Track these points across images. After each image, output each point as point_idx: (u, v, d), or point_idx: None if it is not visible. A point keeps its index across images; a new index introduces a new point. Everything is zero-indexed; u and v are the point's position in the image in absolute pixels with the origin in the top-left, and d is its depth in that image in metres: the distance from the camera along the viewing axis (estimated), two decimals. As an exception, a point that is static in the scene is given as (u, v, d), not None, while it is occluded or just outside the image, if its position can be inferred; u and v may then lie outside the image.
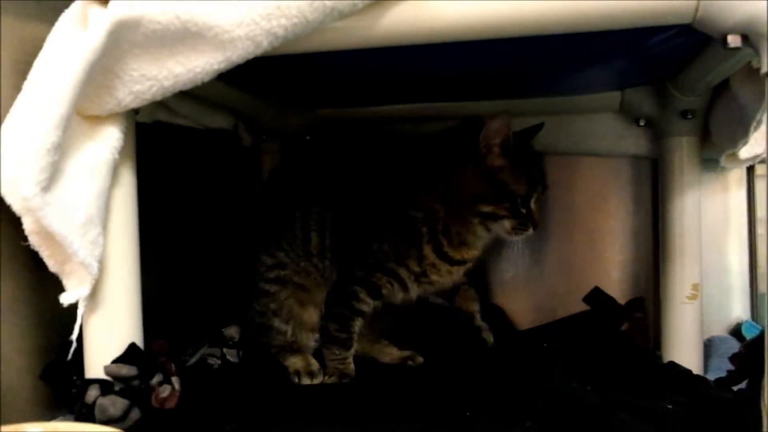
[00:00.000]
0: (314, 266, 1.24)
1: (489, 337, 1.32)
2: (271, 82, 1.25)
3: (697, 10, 0.72)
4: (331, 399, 1.10)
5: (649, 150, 1.39)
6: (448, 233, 1.16)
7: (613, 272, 1.49)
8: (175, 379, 0.92)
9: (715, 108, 1.25)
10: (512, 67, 1.15)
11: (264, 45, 0.74)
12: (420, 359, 1.29)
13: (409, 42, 0.80)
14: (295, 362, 1.24)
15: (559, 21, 0.79)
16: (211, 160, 1.54)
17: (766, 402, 0.73)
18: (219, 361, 1.30)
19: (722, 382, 1.10)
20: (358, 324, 1.20)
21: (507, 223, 1.12)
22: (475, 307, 1.35)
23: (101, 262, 0.84)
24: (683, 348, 1.29)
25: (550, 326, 1.45)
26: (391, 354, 1.32)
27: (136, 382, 0.87)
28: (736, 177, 1.43)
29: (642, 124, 1.36)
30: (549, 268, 1.52)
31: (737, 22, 0.71)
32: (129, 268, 0.92)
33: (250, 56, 0.75)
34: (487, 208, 1.12)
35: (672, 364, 1.21)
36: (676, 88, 1.22)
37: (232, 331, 1.37)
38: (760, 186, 1.39)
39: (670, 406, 0.97)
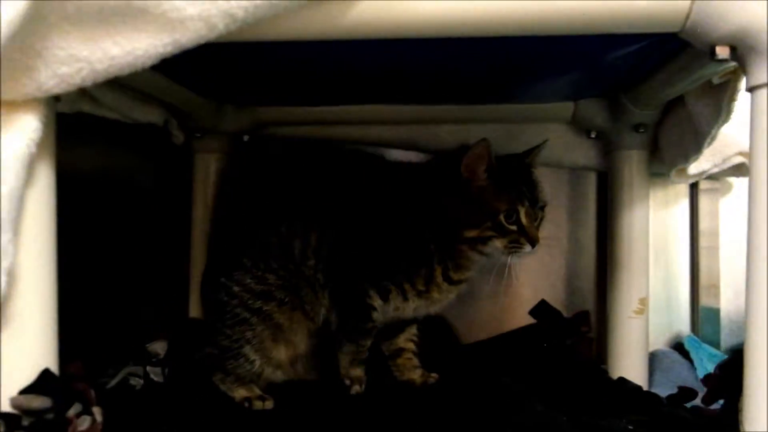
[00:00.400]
0: (304, 292, 1.16)
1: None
2: (208, 73, 1.14)
3: (687, 17, 0.68)
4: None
5: (598, 162, 1.38)
6: (450, 257, 1.14)
7: (558, 285, 1.47)
8: (96, 410, 0.79)
9: (666, 123, 1.25)
10: (468, 70, 1.10)
11: (219, 28, 0.64)
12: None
13: (382, 36, 0.73)
14: (242, 392, 1.14)
15: (539, 21, 0.74)
16: (137, 158, 1.41)
17: (743, 423, 0.70)
18: (141, 381, 1.17)
19: (674, 399, 1.09)
20: (375, 315, 1.16)
21: (498, 243, 1.08)
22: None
23: (11, 275, 0.71)
24: (629, 362, 1.29)
25: (497, 340, 1.41)
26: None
27: (50, 415, 0.74)
28: (678, 191, 1.45)
29: (593, 136, 1.35)
30: (494, 280, 1.47)
31: (727, 33, 0.68)
32: (44, 281, 0.78)
33: (202, 40, 0.65)
34: (471, 233, 1.09)
35: (622, 380, 1.19)
36: (631, 101, 1.20)
37: (158, 347, 1.25)
38: (704, 200, 1.40)
39: (630, 427, 0.94)
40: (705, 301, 1.39)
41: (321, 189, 1.19)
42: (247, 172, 1.40)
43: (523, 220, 1.08)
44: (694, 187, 1.42)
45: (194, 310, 1.39)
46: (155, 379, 1.20)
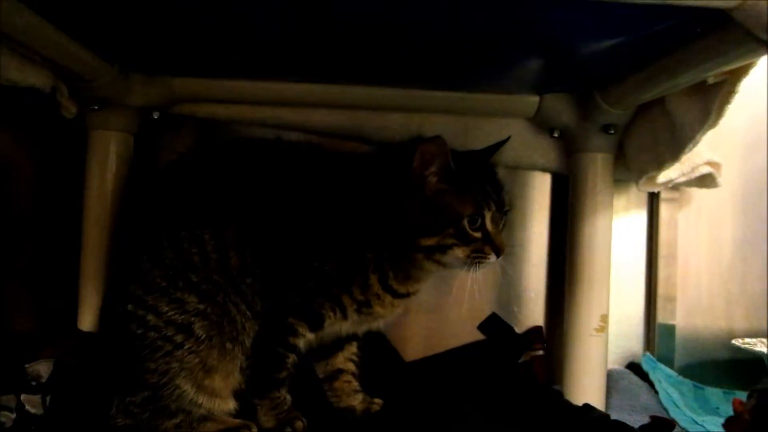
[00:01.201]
0: (234, 302, 0.94)
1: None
2: (111, 26, 0.91)
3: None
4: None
5: (559, 165, 1.26)
6: (393, 266, 0.97)
7: (508, 297, 1.35)
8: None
9: (636, 126, 1.15)
10: (420, 31, 0.91)
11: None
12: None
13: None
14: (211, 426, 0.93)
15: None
16: (13, 133, 1.13)
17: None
18: (12, 416, 0.92)
19: (647, 430, 0.99)
20: (292, 359, 0.97)
21: (459, 252, 0.93)
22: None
23: None
24: (586, 383, 1.18)
25: (442, 357, 1.27)
26: None
27: None
28: (634, 199, 1.36)
29: (555, 135, 1.23)
30: (437, 291, 1.32)
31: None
32: None
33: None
34: (429, 242, 0.93)
35: (588, 407, 1.08)
36: (606, 99, 1.09)
37: (41, 368, 1.00)
38: (664, 209, 1.32)
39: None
40: (660, 316, 1.32)
41: (248, 185, 0.98)
42: (157, 161, 1.18)
43: (489, 226, 0.95)
44: (653, 197, 1.34)
45: (85, 322, 1.14)
46: (32, 411, 0.95)
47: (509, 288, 1.35)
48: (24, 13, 0.48)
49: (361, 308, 0.98)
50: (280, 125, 1.23)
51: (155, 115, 1.20)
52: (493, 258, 0.94)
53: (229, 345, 0.92)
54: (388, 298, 0.99)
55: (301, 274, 0.95)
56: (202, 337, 0.90)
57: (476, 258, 0.94)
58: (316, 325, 0.97)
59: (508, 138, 1.06)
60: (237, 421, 0.94)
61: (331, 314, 0.97)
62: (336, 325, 1.01)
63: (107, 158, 1.16)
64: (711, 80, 0.92)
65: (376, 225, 0.95)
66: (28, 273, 1.19)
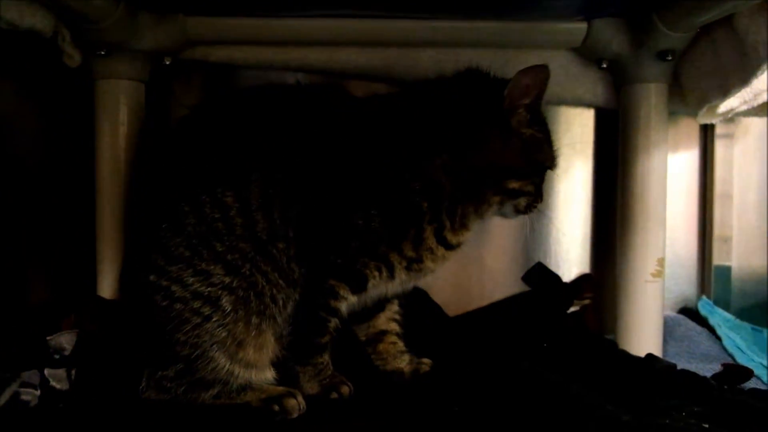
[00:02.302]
0: (263, 272, 0.84)
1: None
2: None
3: None
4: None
5: (605, 99, 1.17)
6: (452, 213, 0.89)
7: (553, 245, 1.27)
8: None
9: (696, 52, 1.05)
10: None
11: None
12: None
13: None
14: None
15: None
16: (13, 85, 1.03)
17: None
18: (38, 393, 0.85)
19: (723, 381, 0.92)
20: (334, 323, 0.90)
21: (523, 201, 0.91)
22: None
23: None
24: (643, 332, 1.11)
25: (485, 311, 1.19)
26: None
27: None
28: (684, 134, 1.26)
29: (604, 66, 1.12)
30: (478, 240, 1.24)
31: None
32: None
33: None
34: (514, 184, 0.89)
35: (651, 357, 1.00)
36: (665, 20, 0.99)
37: (63, 340, 0.92)
38: (720, 145, 1.23)
39: (706, 426, 0.75)
40: (716, 258, 1.24)
41: (273, 136, 0.87)
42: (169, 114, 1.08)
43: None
44: (706, 131, 1.24)
45: (104, 289, 1.06)
46: (57, 386, 0.88)
47: (553, 235, 1.27)
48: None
49: (411, 265, 0.90)
50: (303, 67, 1.13)
51: (167, 61, 1.09)
52: (538, 209, 0.94)
53: (255, 319, 0.84)
54: (441, 251, 0.91)
55: (342, 232, 0.86)
56: (228, 310, 0.82)
57: (531, 207, 0.92)
58: (359, 287, 0.90)
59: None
60: (280, 388, 0.87)
61: (377, 274, 0.89)
62: (381, 286, 0.93)
63: (117, 110, 1.06)
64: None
65: (452, 159, 0.86)
66: (41, 239, 1.10)
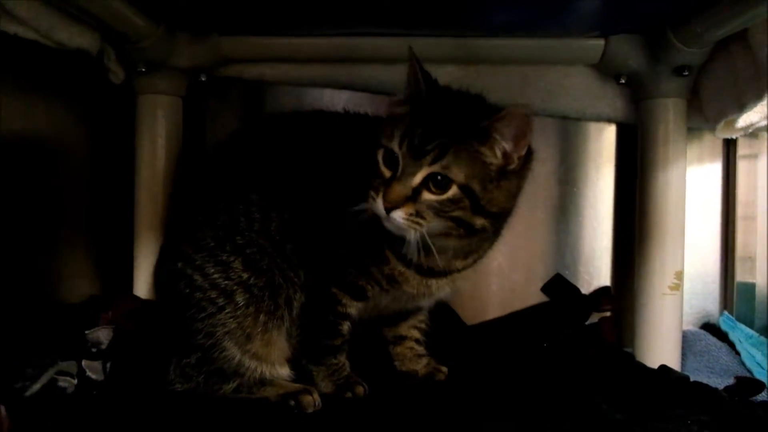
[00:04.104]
0: (280, 268, 0.91)
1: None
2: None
3: None
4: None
5: (625, 114, 1.18)
6: None
7: (572, 257, 1.28)
8: None
9: (712, 67, 1.07)
10: None
11: None
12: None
13: None
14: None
15: None
16: (61, 100, 1.12)
17: None
18: (75, 381, 0.91)
19: (734, 393, 0.92)
20: (346, 327, 0.93)
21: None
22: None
23: None
24: (660, 345, 1.12)
25: (504, 320, 1.21)
26: None
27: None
28: (708, 150, 1.27)
29: (622, 81, 1.14)
30: (498, 252, 1.27)
31: None
32: None
33: None
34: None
35: (665, 368, 1.01)
36: (681, 37, 1.01)
37: (101, 335, 0.99)
38: (743, 164, 1.23)
39: (707, 432, 0.76)
40: (739, 275, 1.23)
41: (289, 154, 0.94)
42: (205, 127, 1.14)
43: None
44: (728, 146, 1.24)
45: (140, 288, 1.13)
46: (93, 377, 0.95)
47: (573, 247, 1.28)
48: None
49: (392, 284, 0.91)
50: (329, 84, 1.19)
51: (203, 78, 1.17)
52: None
53: (263, 317, 0.89)
54: (412, 275, 0.89)
55: (326, 246, 0.90)
56: (241, 304, 0.88)
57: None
58: (359, 296, 0.93)
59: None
60: (297, 385, 0.92)
61: (369, 287, 0.92)
62: (382, 297, 0.94)
63: (156, 123, 1.14)
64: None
65: None
66: (85, 240, 1.18)
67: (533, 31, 1.11)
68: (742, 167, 1.24)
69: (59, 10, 0.89)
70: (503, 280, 1.27)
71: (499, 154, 0.80)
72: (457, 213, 0.79)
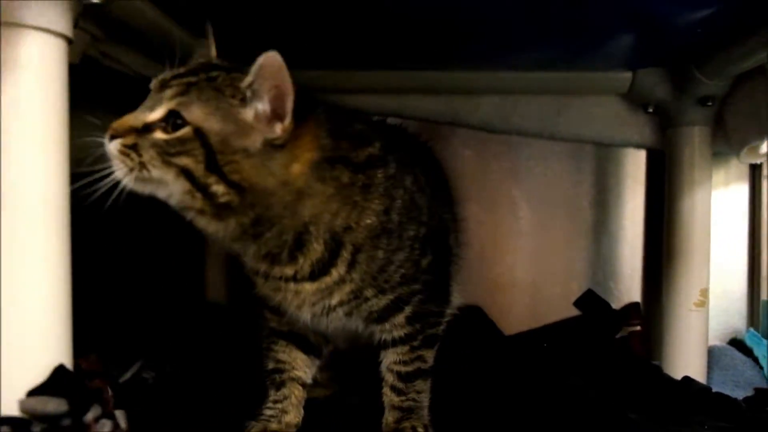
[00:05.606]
0: None
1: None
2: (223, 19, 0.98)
3: None
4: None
5: (653, 140, 1.26)
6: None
7: (604, 274, 1.36)
8: (119, 413, 0.67)
9: (736, 95, 1.14)
10: (515, 18, 0.96)
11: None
12: None
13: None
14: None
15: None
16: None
17: None
18: (153, 374, 1.04)
19: (753, 403, 0.99)
20: (278, 350, 0.86)
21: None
22: None
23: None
24: (686, 359, 1.18)
25: (539, 332, 1.30)
26: None
27: (66, 421, 0.61)
28: (734, 173, 1.34)
29: (650, 110, 1.23)
30: (534, 268, 1.36)
31: None
32: (56, 261, 0.66)
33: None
34: None
35: (688, 380, 1.08)
36: (703, 70, 1.09)
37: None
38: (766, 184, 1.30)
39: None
40: (765, 293, 1.29)
41: None
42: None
43: None
44: (755, 170, 1.31)
45: (211, 292, 1.26)
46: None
47: (605, 265, 1.37)
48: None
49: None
50: (379, 113, 1.30)
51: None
52: None
53: None
54: (259, 279, 0.79)
55: None
56: None
57: None
58: (274, 310, 0.84)
59: None
60: None
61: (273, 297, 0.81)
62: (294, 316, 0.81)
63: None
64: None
65: None
66: (160, 256, 1.32)
67: (567, 67, 1.20)
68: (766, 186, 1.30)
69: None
70: (538, 293, 1.36)
71: (251, 112, 0.68)
72: (185, 161, 0.67)
